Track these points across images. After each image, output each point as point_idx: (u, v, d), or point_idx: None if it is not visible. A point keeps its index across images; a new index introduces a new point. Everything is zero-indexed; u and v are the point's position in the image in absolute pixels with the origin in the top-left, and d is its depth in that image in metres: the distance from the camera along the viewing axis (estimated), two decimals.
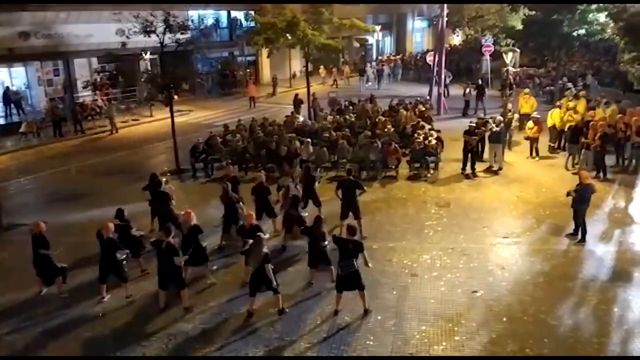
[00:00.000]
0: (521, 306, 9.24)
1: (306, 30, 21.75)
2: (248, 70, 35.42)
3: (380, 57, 44.60)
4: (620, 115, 16.82)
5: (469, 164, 16.19)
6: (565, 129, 17.45)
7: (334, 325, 8.85)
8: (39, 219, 10.47)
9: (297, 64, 38.56)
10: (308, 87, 24.27)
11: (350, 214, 11.72)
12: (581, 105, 18.44)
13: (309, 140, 17.42)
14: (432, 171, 16.31)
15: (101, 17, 25.10)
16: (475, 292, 9.72)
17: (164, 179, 12.79)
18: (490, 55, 31.62)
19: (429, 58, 29.28)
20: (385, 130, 18.05)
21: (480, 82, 26.29)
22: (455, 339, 8.43)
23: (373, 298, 9.35)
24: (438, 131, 17.96)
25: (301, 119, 21.87)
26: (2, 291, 10.22)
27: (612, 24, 23.88)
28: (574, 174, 14.89)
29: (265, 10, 27.65)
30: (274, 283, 8.88)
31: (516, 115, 19.59)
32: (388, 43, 52.12)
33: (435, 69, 26.55)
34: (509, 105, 20.42)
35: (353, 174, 12.40)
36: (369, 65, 38.84)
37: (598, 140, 15.15)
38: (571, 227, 11.82)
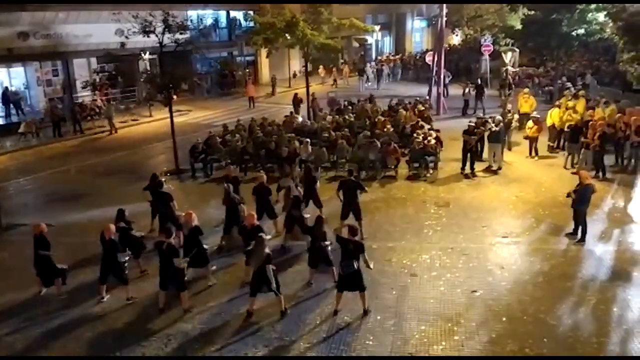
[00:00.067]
0: (520, 306, 9.25)
1: (305, 30, 21.74)
2: (247, 70, 35.41)
3: (379, 57, 44.63)
4: (619, 115, 16.83)
5: (468, 164, 16.20)
6: (565, 129, 17.46)
7: (333, 325, 8.85)
8: (39, 220, 10.49)
9: (296, 64, 38.58)
10: (307, 87, 24.27)
11: (351, 214, 11.72)
12: (580, 104, 18.46)
13: (308, 140, 17.43)
14: (431, 171, 16.32)
15: (100, 17, 25.10)
16: (475, 291, 9.73)
17: (163, 179, 12.77)
18: (489, 55, 31.64)
19: (428, 58, 29.32)
20: (385, 130, 18.05)
21: (479, 81, 26.31)
22: (454, 339, 8.43)
23: (372, 298, 9.35)
24: (437, 131, 17.97)
25: (300, 119, 21.88)
26: (2, 291, 10.21)
27: (611, 24, 23.86)
28: (573, 173, 14.86)
29: (264, 10, 27.68)
30: (274, 284, 8.88)
31: (516, 116, 19.59)
32: (387, 43, 52.16)
33: (435, 68, 26.57)
34: (509, 106, 20.43)
35: (354, 175, 12.39)
36: (368, 65, 38.86)
37: (597, 140, 15.17)
38: (571, 227, 11.83)
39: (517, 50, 31.20)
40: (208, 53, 29.36)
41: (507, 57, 28.00)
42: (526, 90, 21.97)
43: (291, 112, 22.27)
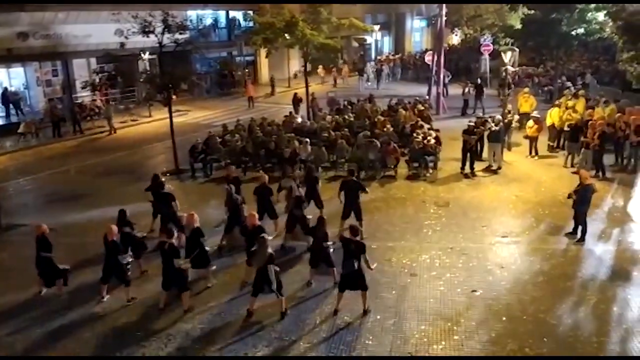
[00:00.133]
0: (520, 305, 9.25)
1: (305, 30, 21.74)
2: (246, 70, 35.43)
3: (379, 57, 44.60)
4: (619, 114, 16.83)
5: (468, 164, 16.20)
6: (565, 128, 17.47)
7: (333, 325, 8.85)
8: (38, 220, 10.48)
9: (295, 64, 38.57)
10: (307, 87, 24.27)
11: (352, 215, 11.71)
12: (580, 104, 18.47)
13: (308, 140, 17.42)
14: (431, 171, 16.32)
15: (100, 17, 25.10)
16: (475, 291, 9.73)
17: (162, 180, 12.77)
18: (489, 55, 31.63)
19: (428, 57, 29.29)
20: (384, 129, 18.04)
21: (479, 81, 26.30)
22: (454, 338, 8.44)
23: (372, 297, 9.35)
24: (437, 130, 17.96)
25: (299, 119, 21.87)
26: (2, 292, 10.21)
27: (610, 23, 23.84)
28: (573, 173, 14.92)
29: (263, 10, 27.66)
30: (275, 284, 8.88)
31: (516, 117, 19.59)
32: (387, 43, 52.15)
33: (434, 68, 26.57)
34: (509, 106, 20.43)
35: (355, 175, 12.38)
36: (368, 65, 38.85)
37: (597, 139, 15.17)
38: (570, 226, 11.83)
39: (517, 49, 31.14)
40: (207, 53, 29.36)
41: (507, 57, 27.93)
42: (526, 89, 21.95)
43: (290, 112, 22.27)
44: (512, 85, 27.36)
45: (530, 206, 13.68)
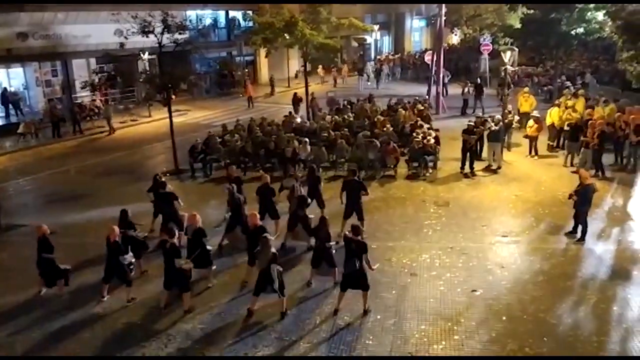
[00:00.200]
0: (520, 305, 9.25)
1: (304, 30, 21.74)
2: (246, 70, 35.40)
3: (378, 57, 44.61)
4: (618, 114, 16.84)
5: (467, 163, 16.20)
6: (564, 128, 17.47)
7: (333, 325, 8.85)
8: (38, 220, 10.47)
9: (295, 64, 38.59)
10: (306, 86, 24.26)
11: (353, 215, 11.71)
12: (580, 103, 18.47)
13: (307, 140, 17.42)
14: (430, 170, 16.31)
15: (99, 17, 25.11)
16: (475, 291, 9.73)
17: (162, 179, 12.76)
18: (488, 54, 31.62)
19: (428, 57, 29.30)
20: (384, 129, 18.04)
21: (478, 81, 26.31)
22: (454, 338, 8.43)
23: (372, 297, 9.34)
24: (437, 130, 17.96)
25: (299, 119, 21.86)
26: (2, 292, 10.21)
27: (610, 23, 23.83)
28: (573, 172, 14.92)
29: (263, 10, 27.63)
30: (276, 284, 8.87)
31: (516, 117, 19.58)
32: (386, 42, 52.16)
33: (434, 68, 26.57)
34: (509, 106, 20.42)
35: (357, 175, 12.37)
36: (367, 64, 38.85)
37: (597, 139, 15.18)
38: (570, 226, 11.83)
39: (516, 49, 31.12)
40: (207, 53, 29.35)
41: (506, 56, 27.91)
42: (526, 89, 21.95)
43: (290, 112, 22.27)
44: (512, 85, 27.39)
45: (530, 206, 13.68)
